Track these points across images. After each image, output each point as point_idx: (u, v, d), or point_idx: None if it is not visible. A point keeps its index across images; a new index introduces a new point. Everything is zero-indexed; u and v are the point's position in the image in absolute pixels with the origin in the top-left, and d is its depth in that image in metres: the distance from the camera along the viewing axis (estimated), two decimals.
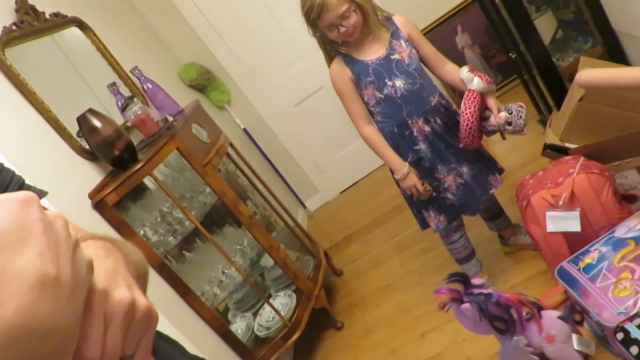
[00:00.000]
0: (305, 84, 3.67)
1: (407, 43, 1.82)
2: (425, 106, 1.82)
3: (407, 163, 1.84)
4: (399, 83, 1.78)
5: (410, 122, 1.82)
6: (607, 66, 1.90)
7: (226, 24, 3.54)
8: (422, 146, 1.85)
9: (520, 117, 1.71)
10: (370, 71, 1.79)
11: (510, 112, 1.73)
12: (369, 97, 1.84)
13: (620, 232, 1.50)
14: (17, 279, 0.32)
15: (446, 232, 2.03)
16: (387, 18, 1.83)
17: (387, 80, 1.79)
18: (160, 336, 0.66)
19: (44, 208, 0.37)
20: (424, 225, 2.04)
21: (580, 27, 2.44)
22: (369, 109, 1.88)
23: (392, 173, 1.90)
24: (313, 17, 1.71)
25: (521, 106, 1.73)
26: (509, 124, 1.73)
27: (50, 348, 0.33)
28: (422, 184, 1.85)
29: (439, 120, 1.84)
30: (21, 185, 0.62)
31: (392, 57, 1.79)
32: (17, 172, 0.64)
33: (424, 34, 3.42)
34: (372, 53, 1.80)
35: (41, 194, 0.64)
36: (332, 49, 1.85)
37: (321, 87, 3.67)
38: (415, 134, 1.84)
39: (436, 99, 1.84)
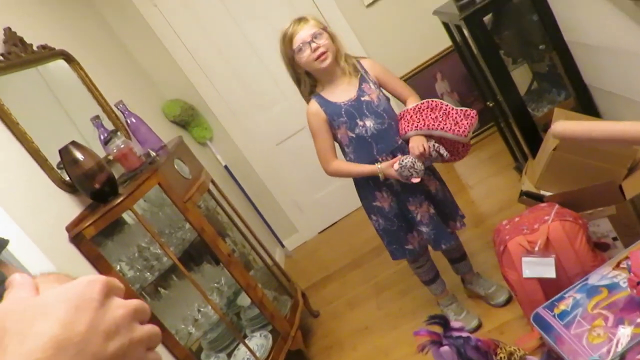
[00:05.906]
0: (288, 123, 3.71)
1: (375, 85, 1.94)
2: (393, 144, 1.93)
3: (377, 164, 1.89)
4: (369, 123, 1.90)
5: (380, 159, 1.91)
6: (579, 118, 1.99)
7: (212, 62, 3.60)
8: (393, 181, 1.93)
9: (405, 169, 1.81)
10: (343, 112, 1.90)
11: (405, 160, 1.83)
12: (342, 136, 1.95)
13: (594, 279, 1.53)
14: None
15: (416, 256, 2.14)
16: (356, 62, 1.96)
17: (358, 121, 1.90)
18: None
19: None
20: (396, 255, 2.11)
21: (554, 80, 2.54)
22: (342, 149, 1.99)
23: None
24: (286, 44, 1.84)
25: (411, 164, 1.81)
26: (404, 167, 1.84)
27: None
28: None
29: None
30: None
31: (362, 98, 1.91)
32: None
33: (405, 80, 3.57)
34: (344, 95, 1.92)
35: (2, 242, 0.62)
36: (307, 85, 1.95)
37: (303, 127, 3.66)
38: None
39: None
